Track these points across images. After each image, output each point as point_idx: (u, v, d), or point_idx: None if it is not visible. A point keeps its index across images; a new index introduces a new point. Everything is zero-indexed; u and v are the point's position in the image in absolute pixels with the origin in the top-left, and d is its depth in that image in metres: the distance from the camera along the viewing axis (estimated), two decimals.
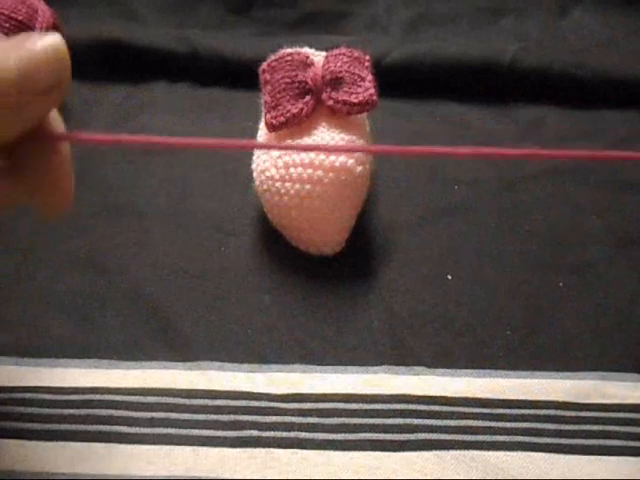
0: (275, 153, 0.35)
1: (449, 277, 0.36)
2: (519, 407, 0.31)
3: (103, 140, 0.23)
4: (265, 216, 0.37)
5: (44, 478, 0.28)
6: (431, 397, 0.31)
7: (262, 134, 0.38)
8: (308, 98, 0.35)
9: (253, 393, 0.31)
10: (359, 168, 0.35)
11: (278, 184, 0.35)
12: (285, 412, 0.30)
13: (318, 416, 0.30)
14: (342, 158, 0.35)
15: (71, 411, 0.30)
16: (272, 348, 0.33)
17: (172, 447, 0.29)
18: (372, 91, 0.36)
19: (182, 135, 0.21)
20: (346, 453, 0.29)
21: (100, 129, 0.43)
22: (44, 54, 0.20)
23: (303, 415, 0.30)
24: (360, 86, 0.36)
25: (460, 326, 0.34)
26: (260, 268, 0.36)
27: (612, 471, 0.29)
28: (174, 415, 0.30)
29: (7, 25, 0.38)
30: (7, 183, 0.22)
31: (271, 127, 0.35)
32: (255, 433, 0.30)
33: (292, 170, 0.35)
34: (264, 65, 0.37)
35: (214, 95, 0.47)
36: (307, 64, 0.36)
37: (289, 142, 0.35)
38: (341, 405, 0.31)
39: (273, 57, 0.37)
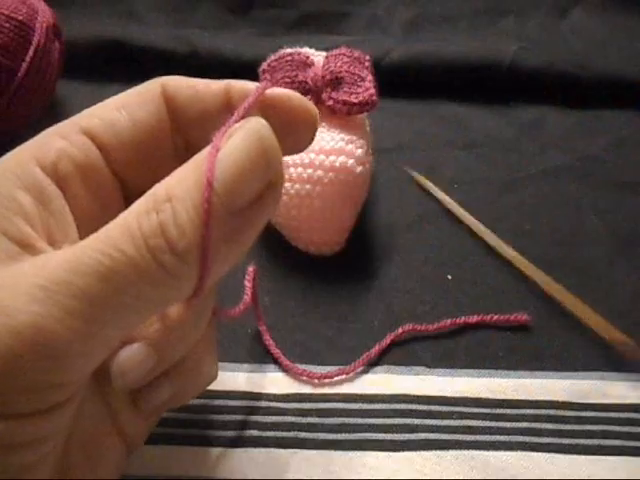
0: None
1: (449, 277, 0.36)
2: (519, 407, 0.31)
3: None
4: None
5: None
6: (431, 397, 0.31)
7: None
8: (308, 98, 0.35)
9: (253, 393, 0.31)
10: (359, 168, 0.35)
11: None
12: (285, 412, 0.30)
13: (318, 416, 0.30)
14: (342, 158, 0.35)
15: None
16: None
17: (172, 447, 0.29)
18: (372, 91, 0.36)
19: None
20: (346, 453, 0.29)
21: None
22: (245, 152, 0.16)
23: (303, 415, 0.30)
24: (360, 86, 0.36)
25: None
26: (260, 268, 0.36)
27: (612, 471, 0.29)
28: (174, 415, 0.30)
29: (7, 25, 0.38)
30: None
31: None
32: (255, 433, 0.29)
33: (292, 170, 0.35)
34: (264, 65, 0.37)
35: None
36: (307, 64, 0.36)
37: None
38: (341, 405, 0.31)
39: (273, 57, 0.37)
